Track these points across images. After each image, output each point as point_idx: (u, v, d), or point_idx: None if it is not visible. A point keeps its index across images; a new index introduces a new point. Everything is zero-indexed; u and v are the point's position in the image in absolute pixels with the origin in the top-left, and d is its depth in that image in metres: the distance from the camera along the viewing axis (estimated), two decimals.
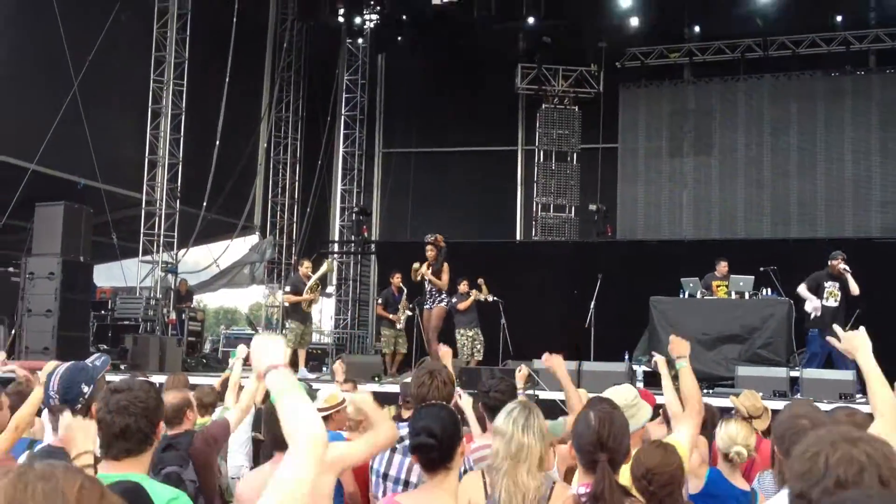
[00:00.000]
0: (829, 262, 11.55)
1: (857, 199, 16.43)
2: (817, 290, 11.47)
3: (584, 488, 2.89)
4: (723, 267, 12.70)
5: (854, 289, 11.24)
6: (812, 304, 11.45)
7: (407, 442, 3.84)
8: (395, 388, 10.49)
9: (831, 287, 11.42)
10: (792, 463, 1.69)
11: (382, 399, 9.06)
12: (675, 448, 3.41)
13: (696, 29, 17.48)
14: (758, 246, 15.38)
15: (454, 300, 12.84)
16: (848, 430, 1.73)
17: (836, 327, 3.32)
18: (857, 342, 3.11)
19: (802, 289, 11.54)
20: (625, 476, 3.14)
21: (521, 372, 6.34)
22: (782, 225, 16.69)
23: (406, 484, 3.77)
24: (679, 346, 4.35)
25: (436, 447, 2.98)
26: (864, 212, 16.35)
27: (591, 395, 6.90)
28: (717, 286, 12.57)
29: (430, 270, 11.86)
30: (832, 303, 11.40)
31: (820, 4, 16.21)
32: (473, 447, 4.60)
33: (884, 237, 15.62)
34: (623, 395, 3.86)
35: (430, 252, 11.77)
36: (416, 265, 12.14)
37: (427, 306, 12.02)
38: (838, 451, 1.65)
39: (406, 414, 5.85)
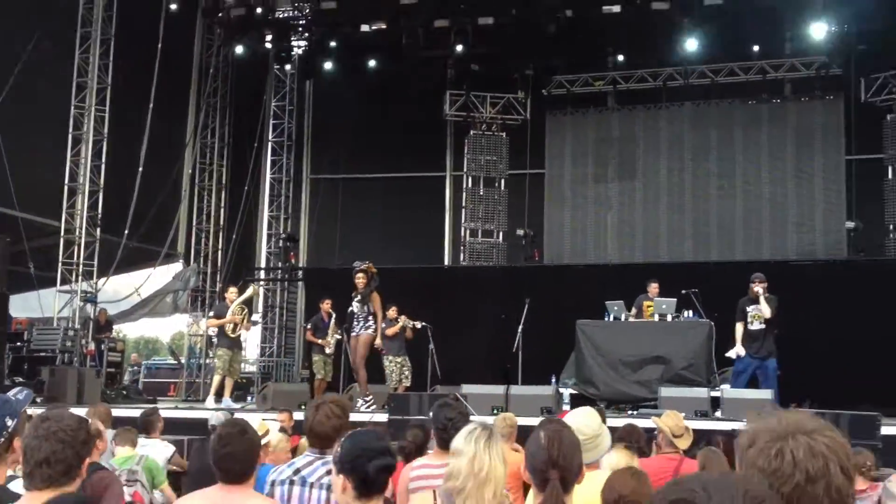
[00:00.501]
0: (749, 286, 11.85)
1: (774, 222, 16.91)
2: (744, 315, 11.75)
3: None
4: (654, 288, 12.96)
5: (765, 311, 11.54)
6: (735, 351, 11.76)
7: (305, 473, 3.84)
8: None
9: (754, 311, 11.70)
10: (753, 459, 1.67)
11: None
12: (647, 478, 3.43)
13: (620, 58, 17.84)
14: (680, 269, 15.70)
15: (383, 325, 12.81)
16: (797, 419, 1.71)
17: None
18: None
19: (737, 332, 11.78)
20: (578, 499, 3.14)
21: None
22: (703, 248, 17.08)
23: None
24: None
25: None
26: (781, 235, 16.83)
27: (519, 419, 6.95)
28: (648, 307, 12.82)
29: (358, 297, 11.75)
30: (757, 326, 11.66)
31: (738, 35, 16.68)
32: (416, 465, 4.58)
33: (799, 259, 16.10)
34: (588, 423, 3.78)
35: (360, 280, 11.66)
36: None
37: (354, 332, 11.93)
38: (801, 446, 1.65)
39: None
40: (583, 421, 3.68)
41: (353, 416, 7.51)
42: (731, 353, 11.79)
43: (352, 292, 11.78)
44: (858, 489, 6.16)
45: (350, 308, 11.90)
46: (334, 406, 4.00)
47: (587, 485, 3.36)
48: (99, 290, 15.60)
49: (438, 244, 19.45)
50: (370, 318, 11.70)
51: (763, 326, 11.60)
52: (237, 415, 7.87)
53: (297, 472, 3.84)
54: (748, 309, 11.72)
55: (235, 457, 3.42)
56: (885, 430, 8.53)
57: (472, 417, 9.38)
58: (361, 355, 11.72)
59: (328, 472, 3.79)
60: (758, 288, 11.63)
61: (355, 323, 11.84)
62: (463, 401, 10.15)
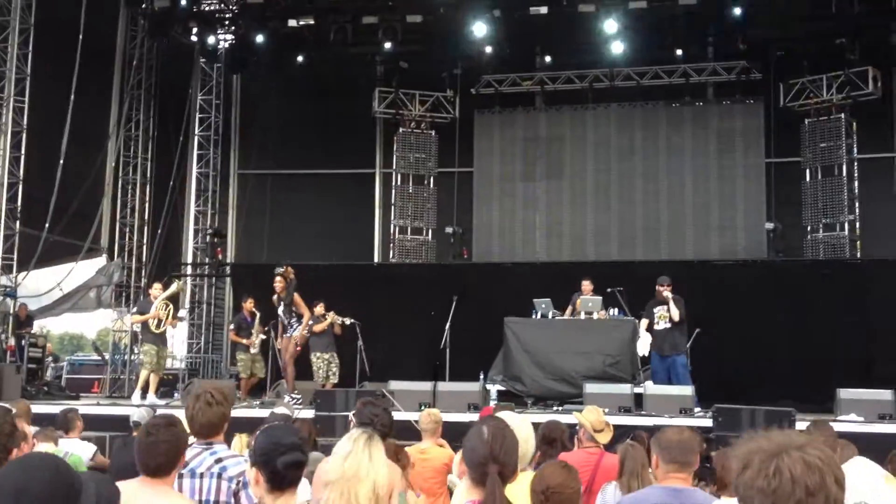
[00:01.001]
0: (656, 288, 12.24)
1: (697, 222, 17.30)
2: (651, 316, 12.16)
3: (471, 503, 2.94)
4: (586, 285, 13.24)
5: (674, 315, 11.92)
6: (642, 345, 12.15)
7: (193, 464, 3.83)
8: (248, 413, 10.33)
9: (661, 311, 12.16)
10: (751, 480, 1.69)
11: (232, 424, 8.90)
12: (576, 471, 3.50)
13: (547, 59, 18.04)
14: (606, 267, 15.91)
15: (311, 322, 12.83)
16: (786, 436, 1.75)
17: None
18: None
19: (641, 327, 12.26)
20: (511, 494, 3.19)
21: None
22: (629, 247, 17.38)
23: None
24: None
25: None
26: (704, 235, 17.23)
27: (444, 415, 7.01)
28: (580, 303, 13.09)
29: (281, 302, 11.81)
30: (663, 325, 12.10)
31: (662, 38, 17.01)
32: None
33: (721, 259, 16.48)
34: (521, 428, 3.77)
35: (278, 283, 11.76)
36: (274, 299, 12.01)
37: (287, 334, 12.01)
38: (797, 461, 1.67)
39: None
40: (519, 427, 3.72)
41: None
42: (643, 350, 12.10)
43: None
44: None
45: (278, 313, 11.98)
46: (214, 394, 3.96)
47: (518, 484, 3.43)
48: (19, 284, 15.18)
49: (368, 241, 19.41)
50: (296, 320, 11.78)
51: (669, 325, 12.01)
52: (160, 411, 7.77)
53: (185, 464, 3.80)
54: (655, 309, 12.16)
55: (158, 448, 3.40)
56: (800, 425, 8.81)
57: (397, 414, 9.45)
58: (291, 353, 11.80)
59: (217, 461, 3.80)
60: (666, 293, 12.03)
61: (288, 326, 12.02)
62: (390, 397, 10.22)
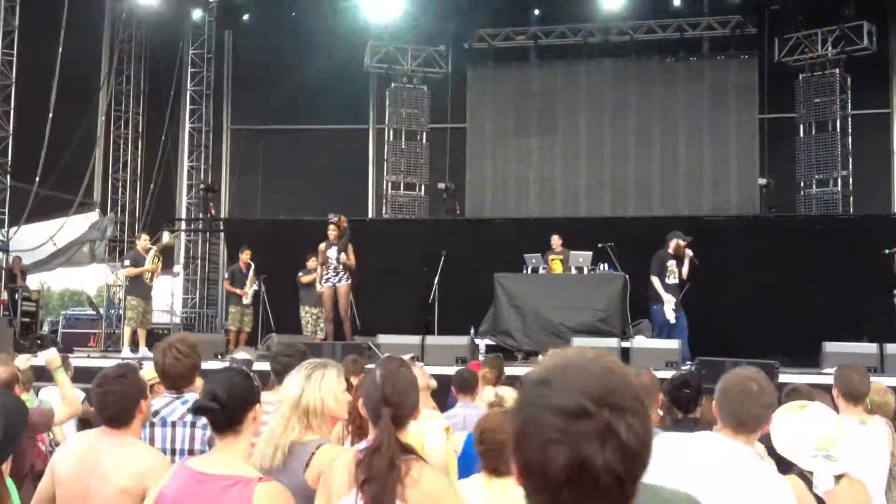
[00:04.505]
0: (675, 241, 12.04)
1: (690, 177, 17.27)
2: (662, 270, 11.96)
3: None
4: (555, 240, 13.20)
5: (685, 272, 11.89)
6: (668, 306, 11.76)
7: (164, 413, 3.91)
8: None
9: (672, 265, 11.98)
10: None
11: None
12: None
13: (541, 13, 17.88)
14: (598, 223, 15.91)
15: (300, 275, 12.89)
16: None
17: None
18: None
19: (656, 282, 11.83)
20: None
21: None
22: (621, 202, 17.38)
23: (191, 453, 3.83)
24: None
25: (219, 410, 2.97)
26: (696, 190, 17.21)
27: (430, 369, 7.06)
28: (552, 260, 13.06)
29: (335, 249, 12.03)
30: (672, 280, 11.98)
31: None
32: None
33: (713, 215, 16.45)
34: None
35: (332, 232, 12.01)
36: (321, 246, 12.24)
37: (331, 283, 12.16)
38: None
39: None
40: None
41: None
42: (670, 314, 11.88)
43: (321, 243, 12.22)
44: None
45: (328, 257, 12.19)
46: (181, 346, 4.06)
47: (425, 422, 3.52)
48: (11, 238, 15.19)
49: (362, 197, 19.37)
50: (343, 270, 12.08)
51: (677, 281, 11.97)
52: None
53: (156, 413, 3.89)
54: (668, 263, 11.96)
55: (107, 399, 3.45)
56: (784, 378, 8.91)
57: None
58: (344, 305, 12.09)
59: (189, 410, 3.87)
60: (687, 249, 11.93)
61: (332, 273, 12.09)
62: (376, 350, 10.29)
